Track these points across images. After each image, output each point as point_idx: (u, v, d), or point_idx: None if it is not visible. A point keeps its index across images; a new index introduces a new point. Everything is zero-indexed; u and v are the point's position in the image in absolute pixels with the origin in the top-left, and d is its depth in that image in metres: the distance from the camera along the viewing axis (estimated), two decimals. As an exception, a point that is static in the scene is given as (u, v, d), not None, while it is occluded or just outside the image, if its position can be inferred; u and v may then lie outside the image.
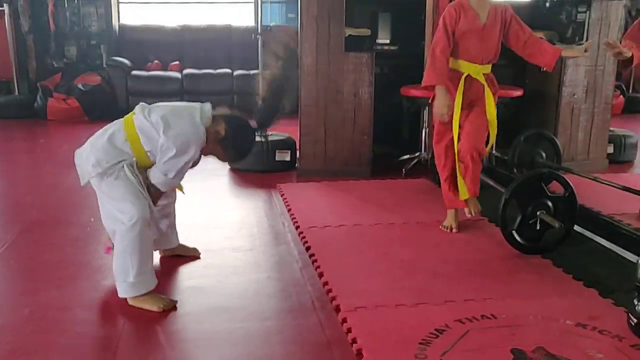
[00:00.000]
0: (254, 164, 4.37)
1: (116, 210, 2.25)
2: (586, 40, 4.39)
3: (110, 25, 7.74)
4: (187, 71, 7.47)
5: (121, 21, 8.02)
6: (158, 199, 2.41)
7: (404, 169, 4.35)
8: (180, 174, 2.37)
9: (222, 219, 3.36)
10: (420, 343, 1.98)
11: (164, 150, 2.26)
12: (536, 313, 2.19)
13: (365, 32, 4.89)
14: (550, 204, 2.75)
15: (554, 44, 4.73)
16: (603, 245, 2.88)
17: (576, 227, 2.93)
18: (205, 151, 2.37)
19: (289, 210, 3.48)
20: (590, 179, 3.47)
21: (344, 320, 2.14)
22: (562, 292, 2.38)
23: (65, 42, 7.78)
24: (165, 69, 7.61)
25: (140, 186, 2.27)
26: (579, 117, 4.46)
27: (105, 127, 2.37)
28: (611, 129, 4.75)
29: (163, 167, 2.30)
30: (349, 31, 4.49)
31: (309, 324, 2.17)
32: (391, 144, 5.02)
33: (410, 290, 2.40)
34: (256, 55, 7.95)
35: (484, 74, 2.99)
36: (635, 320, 2.02)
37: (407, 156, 4.54)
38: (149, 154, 2.31)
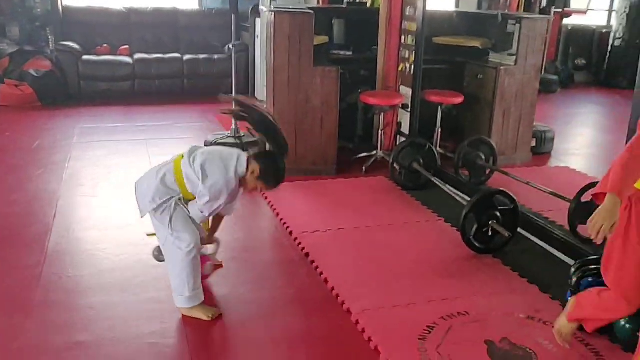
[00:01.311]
0: (231, 163, 4.88)
1: (175, 239, 2.75)
2: (516, 49, 5.14)
3: (55, 6, 7.79)
4: (138, 56, 7.71)
5: (64, 2, 8.06)
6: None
7: (364, 167, 4.99)
8: (214, 212, 2.86)
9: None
10: (419, 338, 2.66)
11: (201, 195, 2.75)
12: (496, 308, 2.93)
13: (324, 39, 5.44)
14: (499, 214, 3.48)
15: (488, 50, 5.51)
16: (538, 244, 3.65)
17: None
18: (251, 188, 2.84)
19: (277, 214, 4.05)
20: (524, 183, 4.24)
21: (357, 322, 2.79)
22: (512, 289, 3.14)
23: (7, 22, 7.78)
24: (114, 52, 7.80)
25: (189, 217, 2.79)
26: (509, 119, 5.24)
27: (159, 165, 2.84)
28: (535, 123, 5.57)
29: (200, 207, 2.80)
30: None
31: (329, 325, 2.80)
32: (347, 139, 5.63)
33: (400, 292, 3.07)
34: (202, 38, 8.35)
35: None
36: (569, 314, 2.77)
37: (365, 154, 5.18)
38: (192, 193, 2.82)
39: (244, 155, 2.84)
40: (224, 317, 2.83)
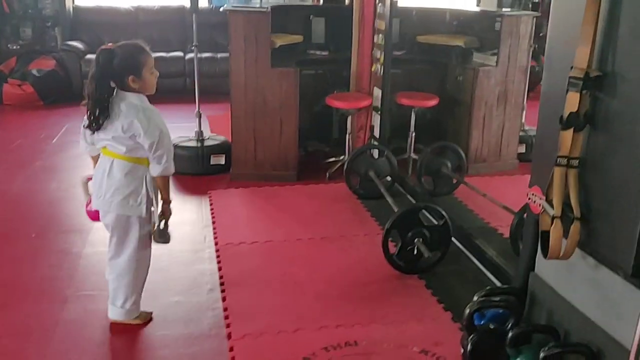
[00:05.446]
0: (191, 167, 4.75)
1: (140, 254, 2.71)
2: (498, 49, 4.76)
3: (63, 6, 7.89)
4: (141, 55, 7.68)
5: (75, 2, 8.15)
6: (168, 189, 2.64)
7: (327, 173, 4.75)
8: (169, 152, 2.57)
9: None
10: (287, 371, 2.43)
11: (152, 145, 2.49)
12: (391, 340, 2.65)
13: (298, 39, 5.22)
14: (427, 232, 3.18)
15: (472, 50, 5.14)
16: (474, 264, 3.33)
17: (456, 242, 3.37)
18: (150, 83, 2.59)
19: (213, 222, 3.88)
20: (481, 194, 3.90)
21: (231, 349, 2.58)
22: (421, 317, 2.84)
23: (20, 23, 7.94)
24: (119, 51, 7.81)
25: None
26: (490, 123, 4.86)
27: (99, 178, 2.60)
28: (526, 127, 5.17)
29: (162, 165, 2.55)
30: (280, 41, 4.81)
31: (205, 350, 2.61)
32: (322, 142, 5.40)
33: (293, 315, 2.83)
34: (209, 37, 8.27)
35: None
36: (462, 350, 2.48)
37: (333, 159, 4.93)
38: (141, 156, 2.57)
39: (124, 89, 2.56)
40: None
